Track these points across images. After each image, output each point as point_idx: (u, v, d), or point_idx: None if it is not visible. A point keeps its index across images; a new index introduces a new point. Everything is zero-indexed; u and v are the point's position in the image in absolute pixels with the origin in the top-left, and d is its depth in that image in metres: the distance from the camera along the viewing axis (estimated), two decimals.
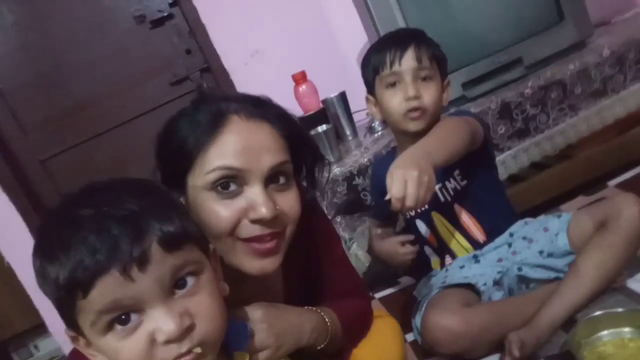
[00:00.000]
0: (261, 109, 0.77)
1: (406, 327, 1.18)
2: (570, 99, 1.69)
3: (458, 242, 1.26)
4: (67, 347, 1.89)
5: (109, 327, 0.55)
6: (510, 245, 1.22)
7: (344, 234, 1.53)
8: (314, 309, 0.88)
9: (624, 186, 1.61)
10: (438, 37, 1.25)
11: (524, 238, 1.20)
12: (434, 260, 1.32)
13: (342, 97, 1.81)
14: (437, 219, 1.28)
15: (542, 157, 1.69)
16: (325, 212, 1.34)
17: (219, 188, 0.73)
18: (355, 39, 1.96)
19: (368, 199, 1.54)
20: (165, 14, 1.99)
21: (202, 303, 0.59)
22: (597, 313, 1.00)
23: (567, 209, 1.59)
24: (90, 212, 0.55)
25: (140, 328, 0.56)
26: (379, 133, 1.73)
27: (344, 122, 1.82)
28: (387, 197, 0.91)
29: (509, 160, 1.66)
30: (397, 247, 1.25)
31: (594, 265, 1.06)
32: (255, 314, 0.77)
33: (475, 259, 1.23)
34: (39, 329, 2.04)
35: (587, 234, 1.09)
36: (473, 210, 1.25)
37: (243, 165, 0.72)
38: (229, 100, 0.78)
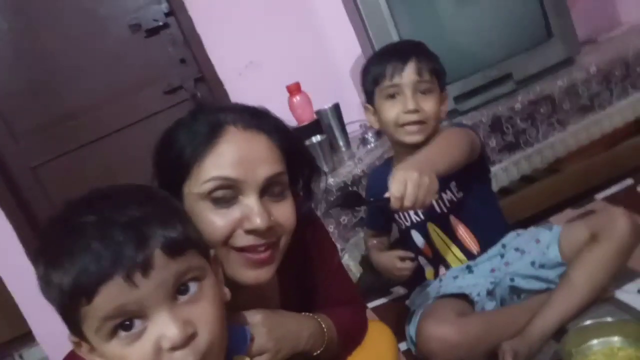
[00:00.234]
0: (258, 120, 0.78)
1: (399, 336, 1.18)
2: (559, 113, 1.73)
3: (452, 253, 1.28)
4: (54, 357, 1.87)
5: (113, 333, 0.56)
6: (502, 256, 1.24)
7: (336, 244, 1.54)
8: (311, 315, 0.89)
9: (610, 199, 1.65)
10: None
11: (517, 249, 1.22)
12: (428, 271, 1.34)
13: (336, 108, 1.83)
14: (433, 229, 1.29)
15: (531, 171, 1.73)
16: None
17: (214, 198, 0.73)
18: (349, 52, 1.99)
19: (361, 210, 1.55)
20: (161, 24, 1.99)
21: (205, 310, 0.59)
22: (588, 323, 1.02)
23: (556, 221, 1.62)
24: (94, 218, 0.56)
25: (145, 335, 0.56)
26: (372, 145, 1.75)
27: (337, 133, 1.84)
28: (387, 195, 0.92)
29: (500, 173, 1.69)
30: (396, 261, 1.26)
31: (585, 277, 1.08)
32: (255, 318, 0.77)
33: (469, 269, 1.25)
34: (25, 338, 2.01)
35: (578, 246, 1.12)
36: (468, 222, 1.26)
37: (239, 175, 0.73)
38: (226, 110, 0.78)
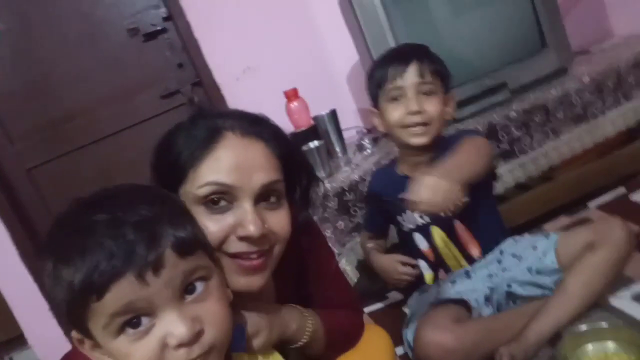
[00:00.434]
0: (257, 127, 0.78)
1: (395, 341, 1.19)
2: (552, 122, 1.75)
3: (454, 257, 1.29)
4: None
5: (121, 330, 0.56)
6: (500, 262, 1.25)
7: (332, 249, 1.55)
8: (294, 305, 0.90)
9: (603, 207, 1.67)
10: None
11: (514, 255, 1.23)
12: (428, 275, 1.34)
13: (333, 114, 1.84)
14: (437, 233, 1.29)
15: (526, 178, 1.74)
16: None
17: (209, 203, 0.73)
18: (346, 58, 2.02)
19: (358, 215, 1.56)
20: (159, 28, 2.00)
21: (211, 309, 0.61)
22: (582, 328, 1.04)
23: (550, 228, 1.64)
24: (105, 217, 0.56)
25: (152, 332, 0.57)
26: (369, 151, 1.77)
27: (334, 139, 1.85)
28: (403, 195, 0.94)
29: None
30: (397, 266, 1.26)
31: (581, 284, 1.10)
32: (247, 306, 0.79)
33: (467, 274, 1.26)
34: (17, 341, 1.98)
35: (574, 253, 1.13)
36: (472, 227, 1.27)
37: (234, 182, 0.73)
38: (225, 116, 0.79)
